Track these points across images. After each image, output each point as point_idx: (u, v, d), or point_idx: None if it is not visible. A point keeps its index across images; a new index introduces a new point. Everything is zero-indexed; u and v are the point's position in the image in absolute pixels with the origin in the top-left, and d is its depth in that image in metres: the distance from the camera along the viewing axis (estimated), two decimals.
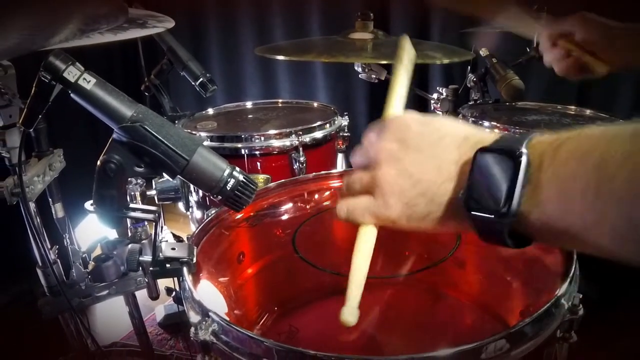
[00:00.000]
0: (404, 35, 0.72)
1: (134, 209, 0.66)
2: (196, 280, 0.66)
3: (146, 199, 1.11)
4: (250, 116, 1.65)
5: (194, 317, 0.58)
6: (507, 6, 1.16)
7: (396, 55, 0.70)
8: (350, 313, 0.51)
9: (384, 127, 0.59)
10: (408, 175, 0.53)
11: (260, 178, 0.96)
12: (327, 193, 0.97)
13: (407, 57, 0.70)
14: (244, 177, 0.63)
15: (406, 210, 0.53)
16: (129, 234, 1.04)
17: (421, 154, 0.53)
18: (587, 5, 1.82)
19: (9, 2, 0.35)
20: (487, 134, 0.51)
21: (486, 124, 1.45)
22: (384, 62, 1.48)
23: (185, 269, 0.65)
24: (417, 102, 2.48)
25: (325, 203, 0.95)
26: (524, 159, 0.43)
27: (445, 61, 1.49)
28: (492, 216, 0.45)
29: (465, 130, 0.53)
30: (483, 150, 0.47)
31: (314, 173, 1.00)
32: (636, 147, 0.37)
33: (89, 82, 0.57)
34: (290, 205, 0.92)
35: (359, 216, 0.57)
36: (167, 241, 0.68)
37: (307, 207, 0.92)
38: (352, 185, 0.59)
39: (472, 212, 0.47)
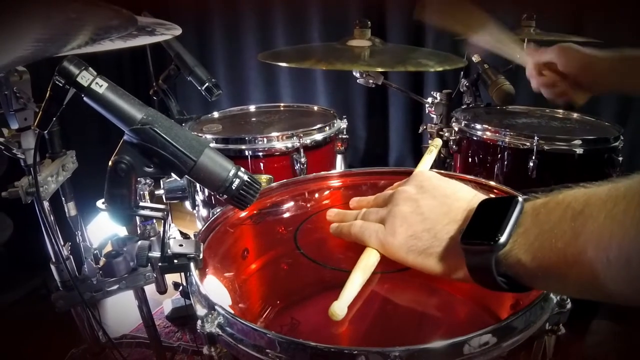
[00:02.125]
0: (438, 140, 0.95)
1: (143, 208, 0.66)
2: (202, 275, 0.66)
3: (155, 198, 1.11)
4: (253, 119, 1.65)
5: (200, 311, 0.58)
6: (488, 26, 1.17)
7: (429, 148, 0.89)
8: (338, 307, 0.54)
9: (408, 178, 0.66)
10: (419, 213, 0.58)
11: (264, 178, 0.96)
12: (327, 192, 0.97)
13: (436, 150, 0.89)
14: (248, 177, 0.63)
15: (409, 241, 0.58)
16: (139, 232, 1.04)
17: (435, 200, 0.59)
18: (574, 11, 1.83)
19: (26, 13, 0.35)
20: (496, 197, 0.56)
21: (478, 126, 1.45)
22: (380, 69, 1.49)
23: (192, 265, 0.65)
24: (413, 106, 2.50)
25: (325, 202, 0.94)
26: (519, 204, 0.48)
27: (439, 69, 1.49)
28: (483, 246, 0.48)
29: (478, 193, 0.59)
30: (486, 200, 0.54)
31: (314, 173, 1.00)
32: (610, 202, 0.40)
33: (101, 86, 0.57)
34: (292, 204, 0.92)
35: (366, 236, 0.63)
36: (174, 238, 0.68)
37: (308, 205, 0.92)
38: (369, 214, 0.66)
39: (466, 244, 0.50)
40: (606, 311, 0.85)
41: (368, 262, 0.61)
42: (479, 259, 0.48)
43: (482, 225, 0.50)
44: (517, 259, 0.46)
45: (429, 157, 0.87)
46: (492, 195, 0.60)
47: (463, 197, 0.58)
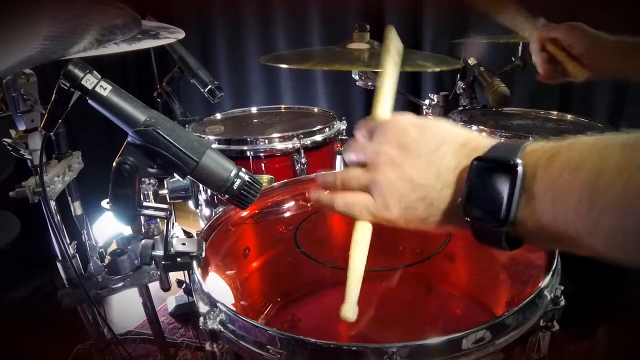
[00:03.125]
0: (389, 26, 0.69)
1: (147, 207, 0.66)
2: (205, 273, 0.66)
3: (158, 198, 1.11)
4: (255, 121, 1.65)
5: (203, 308, 0.58)
6: (509, 4, 1.15)
7: (382, 46, 0.66)
8: (350, 310, 0.51)
9: (380, 128, 0.57)
10: (408, 179, 0.51)
11: (265, 178, 0.96)
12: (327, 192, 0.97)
13: (393, 48, 0.67)
14: (249, 178, 0.63)
15: (405, 213, 0.52)
16: (143, 230, 1.04)
17: (420, 160, 0.51)
18: (570, 11, 1.81)
19: (32, 10, 0.35)
20: (483, 139, 0.50)
21: (474, 127, 1.45)
22: (380, 70, 1.48)
23: (194, 263, 0.65)
24: (410, 107, 2.49)
25: None
26: (519, 170, 0.43)
27: (436, 69, 1.49)
28: (490, 223, 0.44)
29: (461, 137, 0.51)
30: (479, 159, 0.47)
31: (314, 173, 1.00)
32: (626, 159, 0.36)
33: (105, 89, 0.57)
34: (292, 203, 0.92)
35: (357, 212, 0.56)
36: (177, 237, 0.68)
37: (308, 205, 0.92)
38: (349, 181, 0.57)
39: (471, 220, 0.46)
40: (602, 309, 0.84)
41: (363, 240, 0.56)
42: (486, 233, 0.46)
43: (483, 196, 0.45)
44: (524, 227, 0.43)
45: (391, 67, 0.68)
46: (480, 141, 0.53)
47: (449, 152, 0.51)
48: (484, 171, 0.46)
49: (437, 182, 0.50)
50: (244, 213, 0.84)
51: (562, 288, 0.58)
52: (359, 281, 0.54)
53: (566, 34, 1.01)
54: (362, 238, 0.55)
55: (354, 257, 0.55)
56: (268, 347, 0.51)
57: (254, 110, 1.76)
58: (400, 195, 0.52)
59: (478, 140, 0.50)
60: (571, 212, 0.39)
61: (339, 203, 0.56)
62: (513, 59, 1.59)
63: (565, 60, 1.03)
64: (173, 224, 0.69)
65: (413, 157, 0.51)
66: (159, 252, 0.67)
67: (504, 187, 0.43)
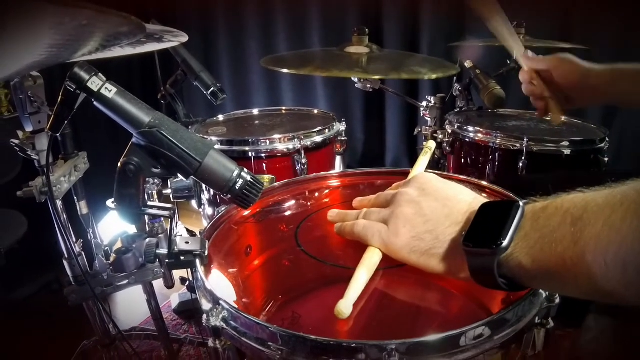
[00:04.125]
0: (432, 142, 0.92)
1: (151, 207, 0.65)
2: (208, 271, 0.66)
3: (162, 197, 1.11)
4: (256, 122, 1.65)
5: (205, 305, 0.58)
6: (499, 12, 1.13)
7: (424, 150, 0.88)
8: (344, 306, 0.53)
9: (410, 178, 0.65)
10: (422, 215, 0.57)
11: (266, 178, 0.95)
12: (327, 192, 0.96)
13: (430, 152, 0.88)
14: (251, 178, 0.62)
15: (412, 242, 0.57)
16: (147, 229, 1.04)
17: (437, 202, 0.57)
18: (562, 19, 1.81)
19: (39, 20, 0.35)
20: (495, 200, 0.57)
21: (470, 129, 1.45)
22: (376, 77, 1.49)
23: (198, 261, 0.65)
24: (408, 109, 2.49)
25: (325, 201, 0.94)
26: (519, 208, 0.48)
27: (433, 76, 1.49)
28: (486, 249, 0.47)
29: (477, 195, 0.58)
30: (486, 203, 0.53)
31: (314, 174, 1.00)
32: (608, 202, 0.41)
33: (110, 91, 0.57)
34: (293, 202, 0.92)
35: (370, 236, 0.62)
36: (181, 235, 0.68)
37: (309, 204, 0.92)
38: (371, 214, 0.65)
39: (469, 247, 0.49)
40: (600, 306, 0.84)
41: (371, 261, 0.61)
42: (482, 261, 0.48)
43: (484, 228, 0.49)
44: (518, 262, 0.46)
45: (424, 159, 0.86)
46: (485, 195, 0.59)
47: (464, 199, 0.57)
48: (489, 210, 0.52)
49: (447, 220, 0.55)
50: (246, 212, 0.84)
51: None
52: (359, 288, 0.57)
53: (555, 65, 0.99)
54: (371, 259, 0.61)
55: (360, 271, 0.59)
56: (269, 343, 0.51)
57: (255, 112, 1.76)
58: (412, 226, 0.57)
59: (490, 198, 0.58)
60: (559, 245, 0.43)
61: (359, 226, 0.64)
62: (508, 62, 1.59)
63: (549, 99, 1.01)
64: (177, 223, 0.69)
65: (430, 200, 0.58)
66: (163, 251, 0.66)
67: (504, 220, 0.47)
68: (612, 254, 0.39)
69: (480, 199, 0.56)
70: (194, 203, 1.42)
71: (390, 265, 0.61)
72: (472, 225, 0.51)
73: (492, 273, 0.47)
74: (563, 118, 1.57)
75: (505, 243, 0.46)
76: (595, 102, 1.03)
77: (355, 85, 1.56)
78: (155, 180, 1.09)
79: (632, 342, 0.75)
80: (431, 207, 0.57)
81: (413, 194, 0.60)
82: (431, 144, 0.92)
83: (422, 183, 0.61)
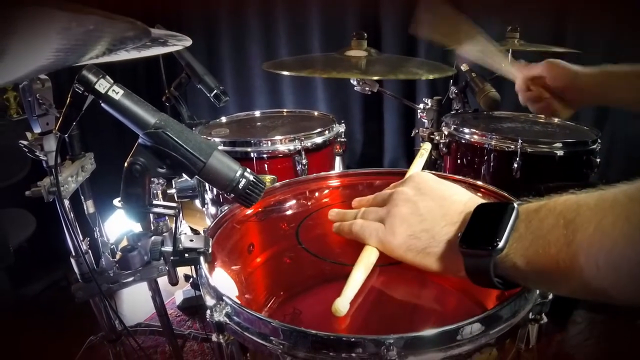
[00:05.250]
0: (427, 144, 0.93)
1: (157, 205, 0.66)
2: (211, 268, 0.66)
3: (167, 197, 1.11)
4: (258, 124, 1.65)
5: (209, 301, 0.58)
6: (476, 39, 1.16)
7: (420, 152, 0.88)
8: (341, 304, 0.54)
9: (407, 177, 0.64)
10: (418, 214, 0.57)
11: (268, 178, 0.96)
12: (326, 191, 0.97)
13: (426, 154, 0.88)
14: (253, 178, 0.62)
15: (408, 241, 0.57)
16: (152, 228, 1.04)
17: (433, 202, 0.57)
18: (555, 24, 1.82)
19: (47, 25, 0.35)
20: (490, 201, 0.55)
21: (466, 130, 1.45)
22: (375, 77, 1.49)
23: (201, 258, 0.65)
24: (406, 111, 2.49)
25: (325, 200, 0.94)
26: (514, 209, 0.48)
27: (430, 77, 1.49)
28: (482, 251, 0.47)
29: (472, 195, 0.58)
30: (482, 204, 0.52)
31: (314, 174, 1.00)
32: (599, 207, 0.41)
33: (117, 93, 0.57)
34: (294, 202, 0.92)
35: (367, 235, 0.62)
36: (185, 234, 0.68)
37: (309, 203, 0.92)
38: (369, 213, 0.65)
39: (465, 248, 0.49)
40: (587, 302, 0.85)
41: (369, 259, 0.61)
42: (477, 262, 0.48)
43: (480, 230, 0.49)
44: (512, 263, 0.46)
45: (420, 160, 0.86)
46: (480, 195, 0.59)
47: (459, 199, 0.57)
48: (484, 211, 0.51)
49: (443, 220, 0.55)
50: (248, 211, 0.84)
51: None
52: (356, 287, 0.57)
53: (546, 70, 1.01)
54: (368, 258, 0.61)
55: (357, 270, 0.59)
56: (271, 338, 0.51)
57: (257, 114, 1.76)
58: (408, 225, 0.57)
59: (484, 199, 0.56)
60: (553, 247, 0.43)
61: (356, 225, 0.64)
62: (502, 66, 1.59)
63: (549, 99, 1.03)
64: (181, 221, 0.69)
65: (427, 199, 0.58)
66: (168, 248, 0.67)
67: (499, 222, 0.47)
68: (603, 257, 0.39)
69: (476, 199, 0.56)
70: (197, 202, 1.42)
71: (386, 262, 0.62)
72: (468, 226, 0.51)
73: (488, 273, 0.47)
74: (556, 120, 1.58)
75: (500, 244, 0.46)
76: (587, 103, 1.04)
77: (355, 88, 1.56)
78: (160, 180, 1.10)
79: (617, 335, 0.76)
80: (427, 207, 0.57)
81: (409, 193, 0.60)
82: (427, 146, 0.92)
83: (419, 182, 0.61)
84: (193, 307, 1.83)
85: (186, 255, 0.66)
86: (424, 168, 0.87)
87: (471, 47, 1.20)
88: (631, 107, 1.00)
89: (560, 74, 0.99)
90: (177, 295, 1.91)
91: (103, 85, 0.57)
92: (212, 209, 1.43)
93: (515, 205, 0.48)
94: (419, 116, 1.64)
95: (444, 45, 1.53)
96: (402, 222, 0.58)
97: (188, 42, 1.11)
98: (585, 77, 0.97)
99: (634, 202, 0.39)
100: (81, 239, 0.96)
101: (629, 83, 0.91)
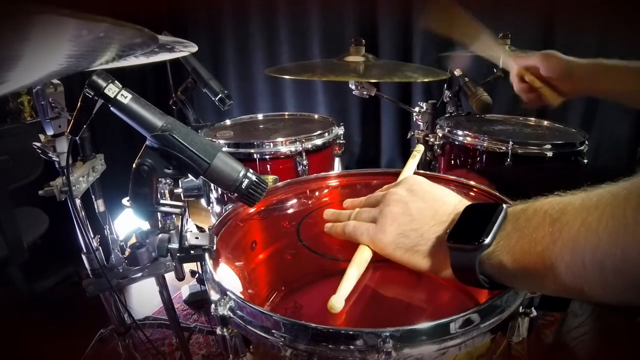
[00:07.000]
0: (420, 145, 0.92)
1: (164, 204, 0.66)
2: (216, 264, 0.66)
3: (174, 196, 1.11)
4: (261, 126, 1.65)
5: (214, 296, 0.58)
6: (480, 35, 1.16)
7: (413, 154, 0.87)
8: (337, 301, 0.54)
9: (400, 179, 0.64)
10: (408, 214, 0.57)
11: (270, 178, 0.95)
12: (326, 191, 0.97)
13: (419, 155, 0.87)
14: (256, 178, 0.62)
15: (397, 239, 0.56)
16: (159, 226, 1.04)
17: (424, 203, 0.57)
18: (544, 30, 1.82)
19: (59, 33, 0.35)
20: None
21: (459, 132, 1.45)
22: (372, 80, 1.49)
23: (206, 255, 0.65)
24: (402, 114, 2.49)
25: (325, 199, 0.94)
26: (502, 209, 0.47)
27: (425, 79, 1.49)
28: (468, 246, 0.47)
29: (462, 198, 0.58)
30: (471, 204, 0.52)
31: (315, 174, 1.00)
32: (584, 205, 0.41)
33: (126, 97, 0.57)
34: (295, 201, 0.92)
35: (358, 234, 0.62)
36: (191, 231, 0.68)
37: (309, 202, 0.92)
38: (362, 213, 0.64)
39: (452, 244, 0.49)
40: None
41: (362, 258, 0.60)
42: (464, 258, 0.47)
43: (468, 227, 0.49)
44: (499, 260, 0.45)
45: (413, 162, 0.86)
46: (472, 194, 0.59)
47: (450, 201, 0.56)
48: (473, 211, 0.51)
49: (432, 220, 0.55)
50: (251, 210, 0.84)
51: None
52: (350, 284, 0.57)
53: (541, 61, 1.01)
54: (361, 256, 0.60)
55: (352, 268, 0.59)
56: (273, 331, 0.51)
57: (260, 116, 1.76)
58: (398, 224, 0.57)
59: (476, 197, 0.57)
60: (539, 245, 0.42)
61: (349, 226, 0.63)
62: (495, 70, 1.59)
63: (541, 88, 1.03)
64: (187, 219, 0.69)
65: (418, 200, 0.58)
66: (174, 245, 0.67)
67: (487, 221, 0.47)
68: (589, 254, 0.38)
69: (465, 202, 0.56)
70: (203, 201, 1.41)
71: (383, 259, 0.62)
72: (457, 224, 0.51)
73: (474, 269, 0.46)
74: (545, 122, 1.58)
75: (487, 240, 0.45)
76: (579, 93, 1.03)
77: (353, 92, 1.56)
78: (167, 180, 1.09)
79: (616, 327, 0.75)
80: (418, 207, 0.57)
81: (402, 194, 0.59)
82: (420, 148, 0.91)
83: (411, 184, 0.60)
84: (199, 302, 1.83)
85: (192, 252, 0.66)
86: (417, 168, 0.87)
87: (477, 42, 1.19)
88: (621, 100, 1.00)
89: (554, 65, 0.99)
90: (183, 290, 1.91)
91: (112, 89, 0.57)
92: (217, 208, 1.43)
93: (504, 206, 0.48)
94: (414, 119, 1.64)
95: (444, 46, 1.53)
96: (393, 221, 0.57)
97: (194, 48, 1.11)
98: (578, 67, 0.97)
99: (619, 199, 0.38)
100: (92, 236, 0.96)
101: (621, 76, 0.91)
